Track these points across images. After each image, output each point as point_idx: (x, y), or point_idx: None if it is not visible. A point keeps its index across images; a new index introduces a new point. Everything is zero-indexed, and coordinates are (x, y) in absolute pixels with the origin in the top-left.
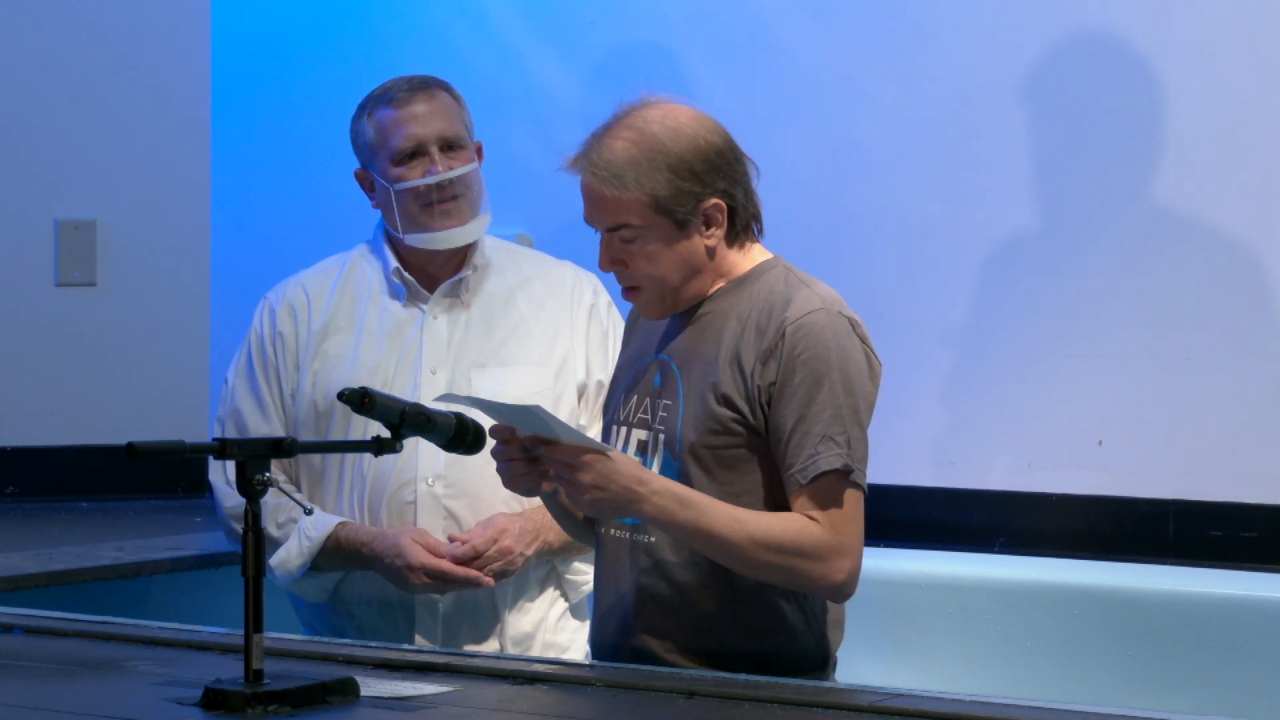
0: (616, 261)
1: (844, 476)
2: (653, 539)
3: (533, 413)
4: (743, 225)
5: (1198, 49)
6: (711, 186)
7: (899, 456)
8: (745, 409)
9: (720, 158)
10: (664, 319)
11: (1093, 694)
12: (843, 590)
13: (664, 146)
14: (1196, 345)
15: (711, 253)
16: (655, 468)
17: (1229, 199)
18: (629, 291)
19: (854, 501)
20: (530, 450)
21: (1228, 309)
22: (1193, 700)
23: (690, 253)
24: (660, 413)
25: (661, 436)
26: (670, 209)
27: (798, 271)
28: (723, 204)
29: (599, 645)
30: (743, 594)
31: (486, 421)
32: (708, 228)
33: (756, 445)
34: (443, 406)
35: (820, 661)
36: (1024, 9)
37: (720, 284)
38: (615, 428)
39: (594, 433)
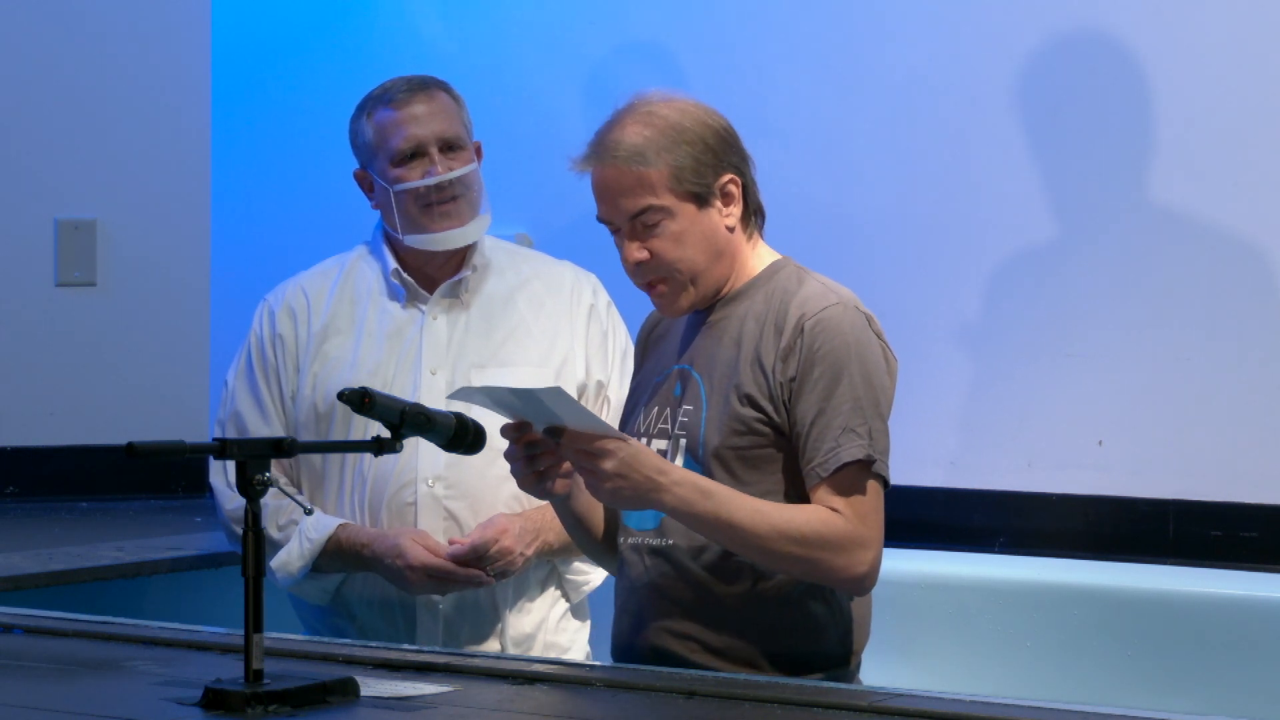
0: (642, 251)
1: (866, 467)
2: (671, 542)
3: (552, 396)
4: (754, 210)
5: (1197, 49)
6: (726, 161)
7: (899, 457)
8: (769, 408)
9: (729, 135)
10: (685, 315)
11: (1093, 694)
12: (864, 583)
13: (677, 124)
14: (1196, 345)
15: (732, 235)
16: None
17: (1229, 199)
18: (653, 287)
19: (875, 493)
20: (543, 447)
21: (1228, 309)
22: (1193, 700)
23: (713, 232)
24: (681, 418)
25: (683, 441)
26: (692, 183)
27: (808, 270)
28: (738, 180)
29: (619, 647)
30: (767, 593)
31: (487, 421)
32: (725, 205)
33: (780, 444)
34: (459, 398)
35: (843, 660)
36: (1023, 8)
37: (733, 285)
38: (638, 439)
39: None
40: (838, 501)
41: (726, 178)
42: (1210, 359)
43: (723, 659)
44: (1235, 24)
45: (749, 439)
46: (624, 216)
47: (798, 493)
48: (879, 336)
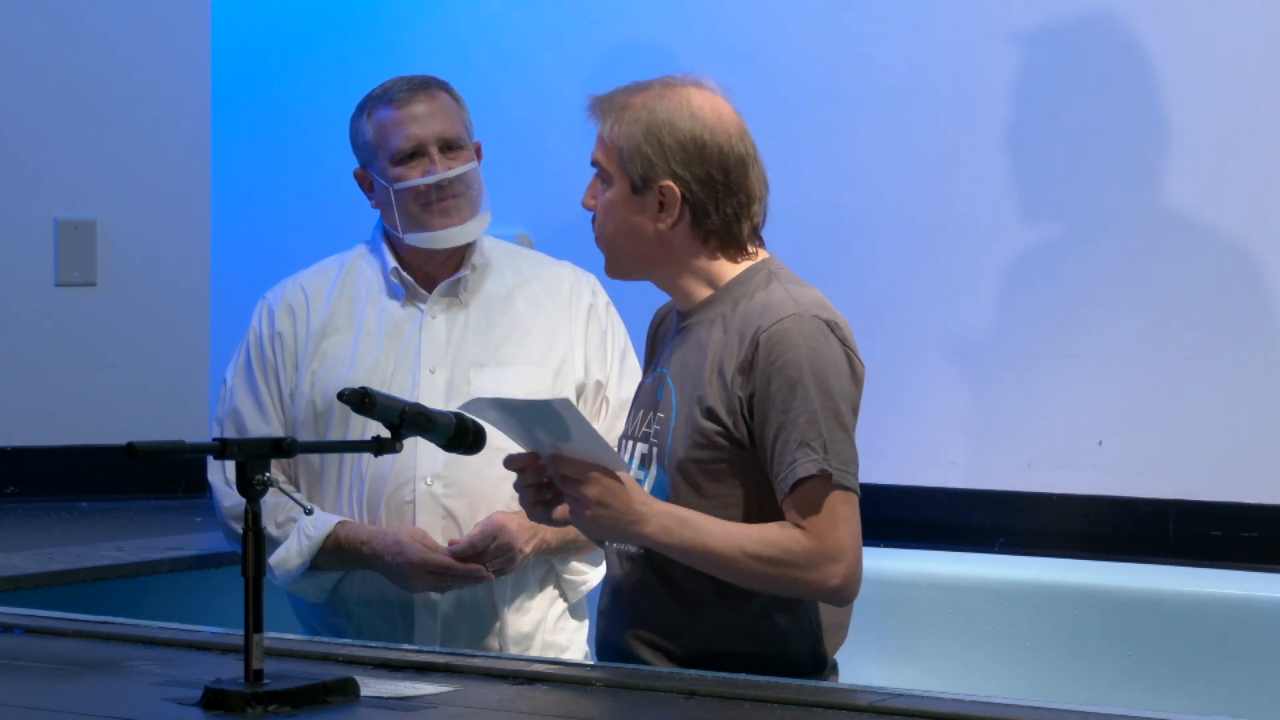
0: (590, 200)
1: (824, 481)
2: (644, 549)
3: (556, 408)
4: (716, 232)
5: (1199, 48)
6: (667, 167)
7: (899, 457)
8: (728, 421)
9: (698, 149)
10: (621, 280)
11: (1093, 694)
12: (841, 594)
13: (655, 109)
14: (1196, 345)
15: (664, 243)
16: (652, 478)
17: (1229, 199)
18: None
19: (841, 504)
20: (548, 475)
21: (1228, 309)
22: (1193, 700)
23: (639, 226)
24: (655, 425)
25: (655, 449)
26: (627, 165)
27: (781, 274)
28: (676, 190)
29: (599, 647)
30: (733, 601)
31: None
32: (659, 210)
33: (739, 458)
34: (470, 410)
35: (815, 666)
36: (1024, 8)
37: (701, 293)
38: (625, 442)
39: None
40: (800, 518)
41: (664, 183)
42: (1210, 359)
43: (692, 668)
44: (1237, 24)
45: (709, 452)
46: (592, 160)
47: (759, 508)
48: (844, 343)
